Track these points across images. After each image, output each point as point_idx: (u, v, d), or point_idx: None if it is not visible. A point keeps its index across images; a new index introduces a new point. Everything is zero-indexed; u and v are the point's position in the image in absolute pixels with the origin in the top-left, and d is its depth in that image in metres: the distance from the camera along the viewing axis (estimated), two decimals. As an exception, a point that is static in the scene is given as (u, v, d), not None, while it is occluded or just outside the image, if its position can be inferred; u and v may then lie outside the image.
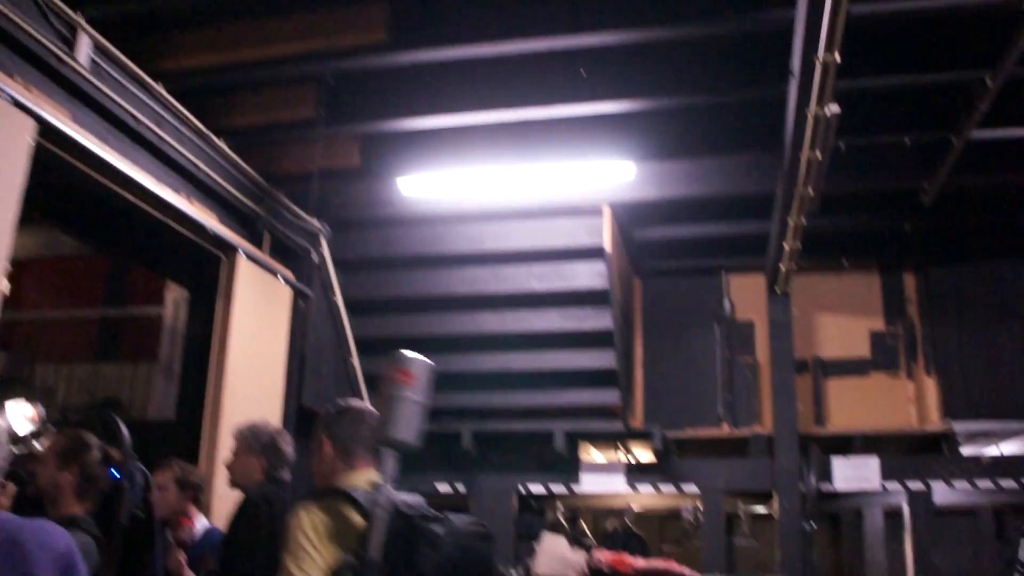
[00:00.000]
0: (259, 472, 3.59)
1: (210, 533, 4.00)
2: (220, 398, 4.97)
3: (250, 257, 5.42)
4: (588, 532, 7.84)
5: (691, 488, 6.78)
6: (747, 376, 7.10)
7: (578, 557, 5.03)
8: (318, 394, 6.13)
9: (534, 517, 7.44)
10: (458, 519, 2.38)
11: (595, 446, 8.00)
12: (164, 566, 3.75)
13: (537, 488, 7.04)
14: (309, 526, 2.28)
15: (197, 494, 4.12)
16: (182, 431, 5.26)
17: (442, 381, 6.69)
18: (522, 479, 7.08)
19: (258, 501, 3.41)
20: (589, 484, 6.94)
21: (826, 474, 6.59)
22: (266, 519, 3.34)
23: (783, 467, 6.53)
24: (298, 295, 6.04)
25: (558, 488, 7.01)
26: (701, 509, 6.80)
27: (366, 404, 2.66)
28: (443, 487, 7.25)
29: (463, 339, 6.59)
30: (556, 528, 7.39)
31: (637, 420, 7.06)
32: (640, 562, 4.78)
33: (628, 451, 8.14)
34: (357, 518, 2.30)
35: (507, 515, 7.04)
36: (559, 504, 7.58)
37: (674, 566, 4.68)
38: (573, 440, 7.08)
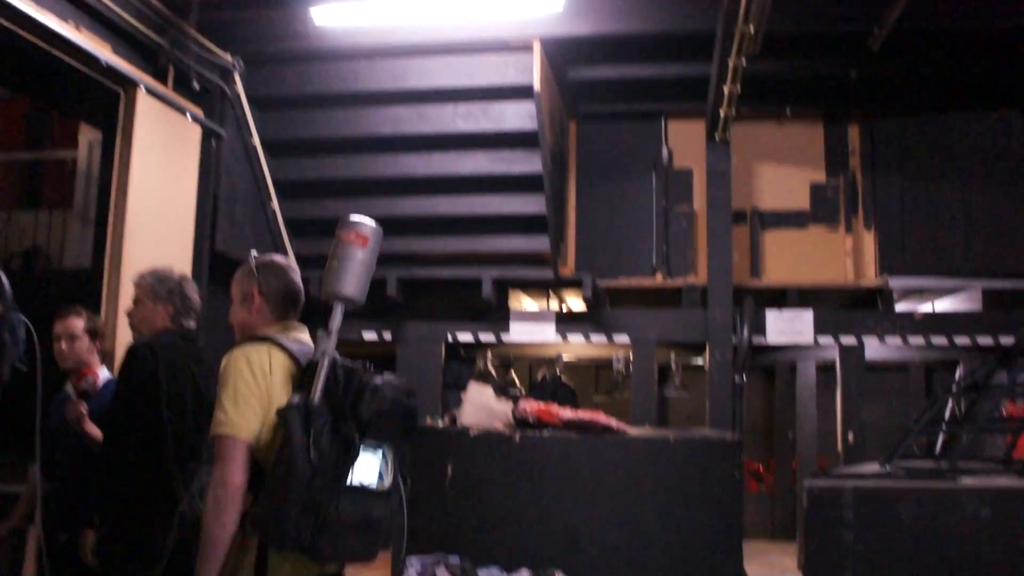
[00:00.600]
0: (164, 320, 3.48)
1: (111, 384, 3.87)
2: (121, 243, 4.79)
3: (151, 92, 5.13)
4: (517, 382, 7.87)
5: (623, 339, 6.79)
6: (683, 225, 7.01)
7: (504, 407, 4.98)
8: (233, 239, 5.96)
9: (462, 366, 7.45)
10: (389, 375, 2.51)
11: (526, 294, 7.98)
12: (63, 418, 3.69)
13: (465, 337, 7.03)
14: (246, 367, 2.43)
15: (101, 343, 4.04)
16: (97, 280, 5.10)
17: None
18: (450, 328, 7.05)
19: (143, 352, 3.29)
20: (518, 333, 6.93)
21: (760, 327, 6.64)
22: (150, 371, 3.25)
23: (716, 319, 6.54)
24: (209, 135, 5.78)
25: (487, 337, 7.00)
26: (632, 360, 6.83)
27: (288, 259, 2.80)
28: (369, 335, 7.21)
29: (387, 182, 6.40)
30: (484, 378, 7.41)
31: (569, 268, 6.98)
32: (567, 413, 4.74)
33: (560, 300, 8.13)
34: (291, 366, 2.48)
35: (434, 364, 7.05)
36: (488, 353, 7.57)
37: (601, 417, 4.64)
38: (503, 288, 7.04)
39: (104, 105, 5.20)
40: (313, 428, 2.32)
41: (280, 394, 2.44)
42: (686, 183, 7.10)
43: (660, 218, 7.01)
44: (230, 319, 2.74)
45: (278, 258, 2.78)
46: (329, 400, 2.38)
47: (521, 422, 4.83)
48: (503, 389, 5.06)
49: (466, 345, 7.27)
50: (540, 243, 6.32)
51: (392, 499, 2.51)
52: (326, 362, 2.41)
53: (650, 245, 7.00)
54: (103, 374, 3.97)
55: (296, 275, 2.75)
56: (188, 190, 5.52)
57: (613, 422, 4.64)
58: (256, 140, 6.23)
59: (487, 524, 4.58)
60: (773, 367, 9.41)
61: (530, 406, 4.87)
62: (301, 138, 6.43)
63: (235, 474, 2.36)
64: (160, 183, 5.20)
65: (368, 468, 2.42)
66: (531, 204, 6.15)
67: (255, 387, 2.43)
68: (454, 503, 4.74)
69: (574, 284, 6.65)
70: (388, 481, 2.48)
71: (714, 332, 6.54)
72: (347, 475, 2.36)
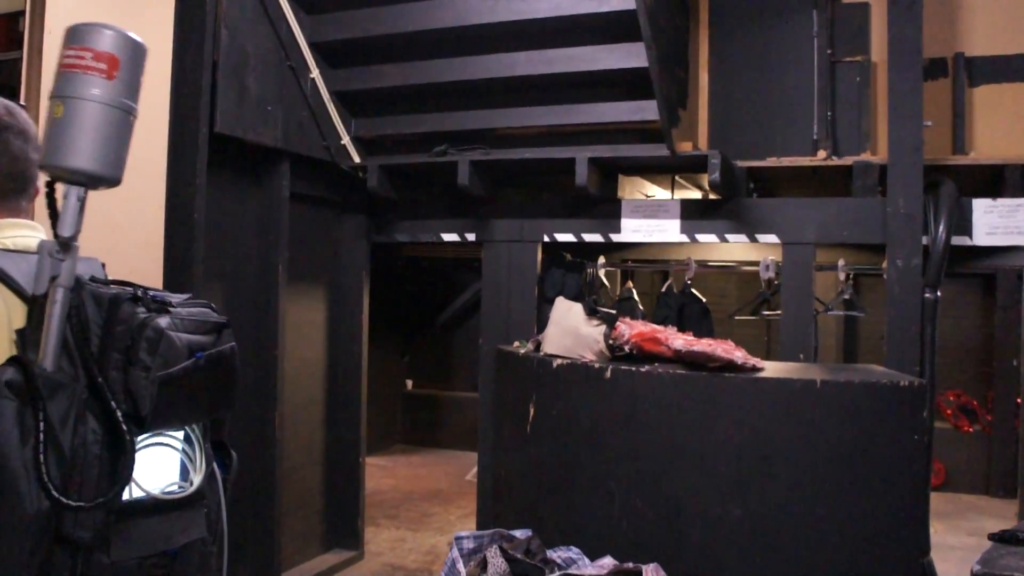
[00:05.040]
0: None
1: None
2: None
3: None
4: (635, 295, 7.09)
5: (770, 238, 5.87)
6: (855, 82, 5.95)
7: (595, 331, 4.27)
8: (245, 119, 5.32)
9: (568, 274, 6.72)
10: (182, 304, 1.81)
11: (651, 182, 7.16)
12: None
13: (565, 236, 6.29)
14: None
15: None
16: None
17: (421, 95, 5.82)
18: (546, 225, 6.34)
19: None
20: (631, 231, 6.12)
21: (964, 223, 5.57)
22: None
23: (900, 211, 5.49)
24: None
25: (592, 237, 6.23)
26: (783, 267, 5.91)
27: (5, 102, 1.91)
28: (450, 236, 6.66)
29: (450, 34, 5.67)
30: (592, 289, 6.68)
31: (701, 144, 6.11)
32: (678, 340, 3.98)
33: (698, 188, 7.28)
34: (8, 299, 1.68)
35: (528, 271, 6.40)
36: (601, 258, 6.82)
37: (721, 348, 3.86)
38: (610, 173, 6.26)
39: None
40: (44, 420, 1.54)
41: None
42: (860, 23, 5.98)
43: (823, 74, 5.96)
44: None
45: (8, 109, 1.90)
46: (75, 363, 1.64)
47: (617, 351, 4.16)
48: (592, 308, 4.33)
49: (571, 247, 6.56)
50: (645, 109, 5.45)
51: (207, 507, 1.81)
52: (59, 294, 1.64)
53: (809, 111, 5.99)
54: None
55: (20, 135, 1.88)
56: (159, 56, 4.81)
57: (739, 355, 3.86)
58: (277, -10, 5.57)
59: (567, 488, 4.02)
60: (994, 276, 8.52)
61: (631, 331, 4.15)
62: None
63: None
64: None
65: (161, 465, 1.73)
66: (633, 56, 5.26)
67: None
68: (532, 456, 4.23)
69: (698, 164, 5.74)
70: (198, 479, 1.78)
71: (896, 229, 5.49)
72: (121, 489, 1.63)
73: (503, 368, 4.85)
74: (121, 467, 1.61)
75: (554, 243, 6.40)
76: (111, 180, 1.73)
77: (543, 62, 5.56)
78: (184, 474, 1.78)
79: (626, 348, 4.11)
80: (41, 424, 1.53)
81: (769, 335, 10.03)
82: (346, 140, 6.26)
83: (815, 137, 5.97)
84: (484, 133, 6.13)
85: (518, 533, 3.91)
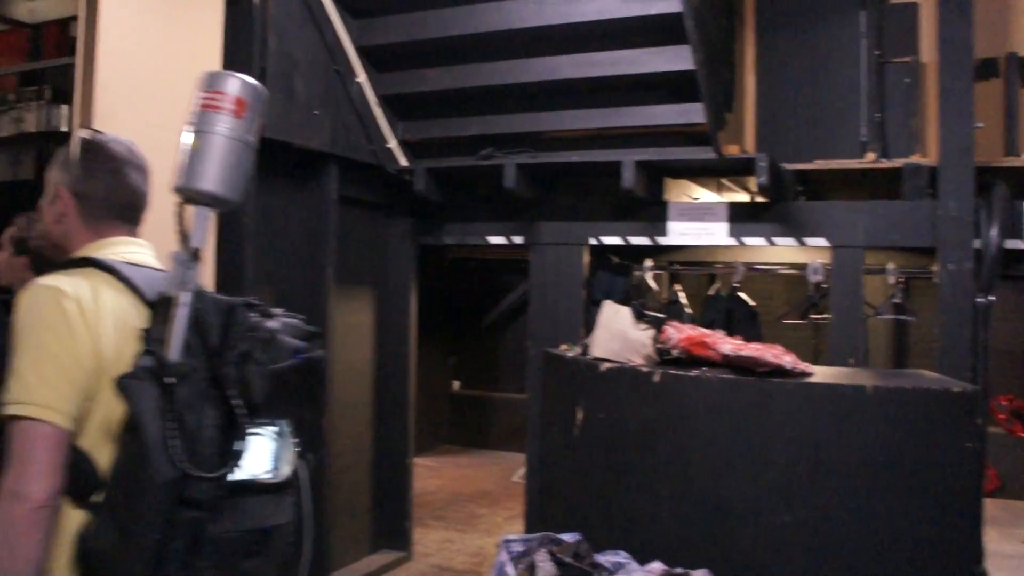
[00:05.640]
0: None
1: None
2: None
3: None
4: (683, 298, 7.06)
5: (819, 241, 5.83)
6: (905, 84, 5.86)
7: (643, 335, 4.27)
8: (293, 122, 5.39)
9: (615, 277, 6.72)
10: (283, 314, 2.11)
11: (698, 184, 7.13)
12: None
13: (612, 239, 6.29)
14: (55, 309, 1.84)
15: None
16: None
17: (467, 99, 5.83)
18: (593, 228, 6.34)
19: None
20: (679, 234, 6.10)
21: (1016, 225, 5.45)
22: None
23: (951, 213, 5.43)
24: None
25: (639, 240, 6.23)
26: (832, 270, 5.86)
27: (127, 142, 2.19)
28: (496, 239, 6.69)
29: (497, 37, 5.69)
30: (639, 292, 6.67)
31: (748, 147, 6.07)
32: (726, 345, 3.96)
33: (744, 190, 7.23)
34: (132, 304, 1.94)
35: (575, 274, 6.40)
36: (648, 261, 6.80)
37: (769, 354, 3.84)
38: (656, 176, 6.21)
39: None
40: (175, 403, 1.79)
41: (116, 349, 1.88)
42: (909, 23, 5.90)
43: (871, 75, 5.89)
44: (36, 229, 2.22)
45: (113, 142, 2.16)
46: (197, 356, 1.87)
47: (665, 355, 4.15)
48: (639, 312, 4.33)
49: (617, 250, 6.56)
50: (692, 112, 5.43)
51: (295, 496, 2.03)
52: (188, 296, 1.88)
53: (857, 113, 5.92)
54: None
55: (138, 170, 2.16)
56: (207, 63, 4.85)
57: (788, 360, 3.82)
58: (325, -7, 5.62)
59: (615, 492, 4.00)
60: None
61: (679, 334, 4.14)
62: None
63: (37, 480, 1.76)
64: (156, 55, 4.54)
65: (257, 453, 1.93)
66: (679, 58, 5.24)
67: (72, 341, 1.83)
68: (580, 460, 4.22)
69: (745, 167, 5.70)
70: (287, 470, 1.99)
71: (947, 232, 5.41)
72: (234, 465, 1.86)
73: (551, 371, 4.85)
74: (234, 447, 1.86)
75: (600, 246, 6.39)
76: (233, 202, 1.99)
77: (588, 65, 5.56)
78: (275, 463, 1.96)
79: (674, 352, 4.09)
80: (171, 405, 1.77)
81: (817, 339, 9.94)
82: (393, 143, 6.29)
83: (863, 139, 5.91)
84: (530, 136, 6.13)
85: (566, 537, 3.90)
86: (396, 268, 6.84)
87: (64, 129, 7.23)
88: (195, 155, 1.94)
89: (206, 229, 1.96)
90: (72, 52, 6.64)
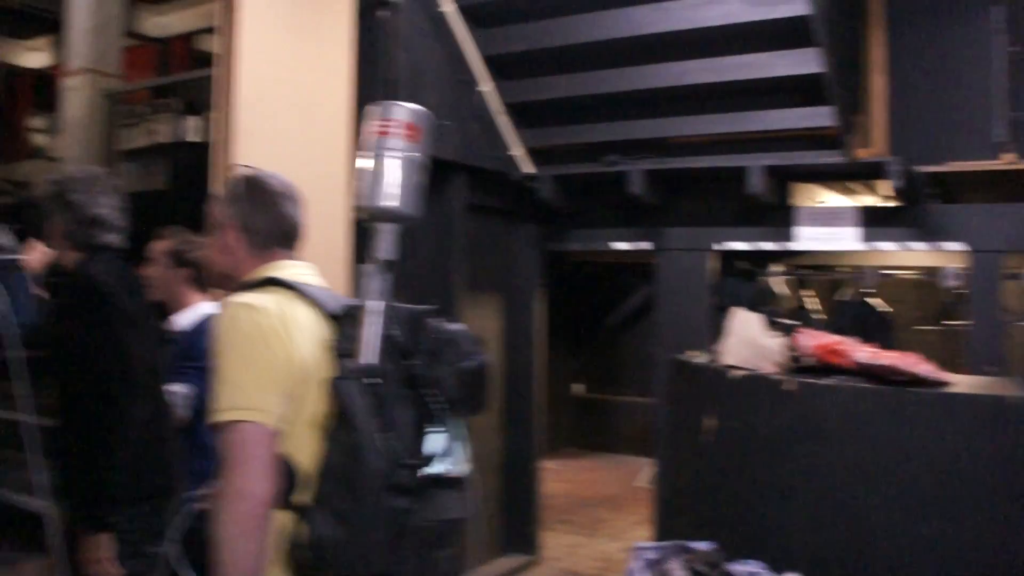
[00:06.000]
0: None
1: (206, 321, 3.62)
2: (229, 153, 4.30)
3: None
4: (812, 305, 6.96)
5: (957, 246, 5.69)
6: (1044, 81, 5.65)
7: (774, 342, 4.26)
8: (424, 132, 5.49)
9: (742, 283, 6.67)
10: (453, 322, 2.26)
11: (827, 188, 7.01)
12: None
13: (738, 245, 6.25)
14: (252, 325, 2.03)
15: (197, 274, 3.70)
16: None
17: (591, 105, 5.85)
18: (718, 233, 6.31)
19: None
20: (807, 239, 6.03)
21: None
22: None
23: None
24: (371, 4, 5.23)
25: (766, 245, 6.17)
26: (970, 276, 5.70)
27: (280, 176, 2.38)
28: (621, 244, 6.71)
29: (621, 44, 5.67)
30: (766, 298, 6.60)
31: (875, 150, 5.94)
32: (861, 353, 3.92)
33: (873, 193, 7.09)
34: (316, 317, 2.12)
35: (699, 280, 6.38)
36: (775, 267, 6.73)
37: (905, 363, 3.78)
38: (782, 180, 6.14)
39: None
40: (380, 400, 1.98)
41: (311, 357, 2.05)
42: (1047, 16, 5.69)
43: (1007, 72, 5.70)
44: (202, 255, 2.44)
45: (271, 177, 2.35)
46: (391, 360, 2.03)
47: (797, 362, 4.13)
48: (773, 318, 4.30)
49: (745, 255, 6.51)
50: (820, 115, 5.35)
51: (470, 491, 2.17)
52: (377, 305, 2.06)
53: (991, 112, 5.72)
54: (196, 309, 3.69)
55: (293, 202, 2.34)
56: (338, 77, 4.98)
57: (924, 368, 3.76)
58: (448, 7, 5.70)
59: (748, 501, 3.98)
60: None
61: (811, 341, 4.12)
62: (507, -1, 5.82)
63: (257, 479, 1.94)
64: (291, 70, 4.67)
65: (443, 449, 2.08)
66: (807, 61, 5.17)
67: (273, 351, 2.01)
68: (710, 467, 4.22)
69: (876, 171, 5.60)
70: (463, 467, 2.13)
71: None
72: (433, 458, 2.05)
73: (679, 378, 4.85)
74: (428, 442, 2.02)
75: (727, 251, 6.36)
76: (413, 217, 2.18)
77: (714, 70, 5.51)
78: (456, 459, 2.10)
79: (806, 360, 4.07)
80: (378, 402, 1.95)
81: (951, 345, 9.64)
82: (518, 151, 6.36)
83: (999, 139, 5.74)
84: (654, 142, 6.11)
85: (699, 545, 3.89)
86: (522, 274, 6.90)
87: (193, 140, 7.52)
88: (375, 177, 2.14)
89: (392, 243, 2.16)
90: (199, 65, 6.89)
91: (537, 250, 6.90)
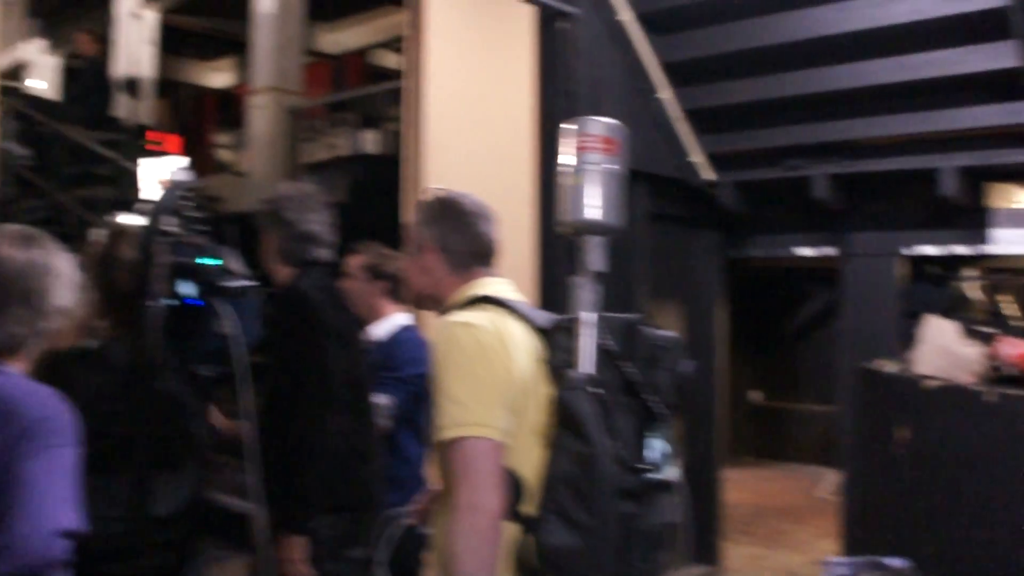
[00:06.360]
0: None
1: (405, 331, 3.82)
2: (419, 166, 4.43)
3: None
4: (1004, 311, 6.65)
5: None
6: None
7: (972, 351, 4.12)
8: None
9: (933, 289, 6.44)
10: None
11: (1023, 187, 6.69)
12: None
13: (928, 249, 6.04)
14: (473, 342, 2.08)
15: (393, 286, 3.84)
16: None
17: (772, 109, 5.77)
18: (907, 237, 6.11)
19: None
20: (1005, 242, 5.79)
21: None
22: None
23: None
24: (551, 16, 5.31)
25: (959, 249, 5.95)
26: None
27: (472, 196, 2.43)
28: (805, 250, 6.61)
29: (803, 46, 5.57)
30: (959, 304, 6.35)
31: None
32: None
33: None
34: (528, 332, 2.16)
35: (886, 286, 6.19)
36: (970, 272, 6.47)
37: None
38: (974, 182, 5.87)
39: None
40: (606, 409, 2.01)
41: (526, 373, 2.09)
42: None
43: None
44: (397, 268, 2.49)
45: (463, 198, 2.40)
46: (609, 368, 2.08)
47: (998, 372, 3.98)
48: (971, 326, 4.16)
49: (936, 260, 6.29)
50: (1022, 112, 5.11)
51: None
52: (591, 317, 2.09)
53: None
54: (390, 321, 3.83)
55: (487, 221, 2.39)
56: (521, 89, 5.06)
57: None
58: (626, 15, 5.70)
59: (945, 517, 3.86)
60: None
61: (1013, 350, 3.97)
62: (683, 5, 5.79)
63: (490, 491, 1.98)
64: (475, 85, 4.77)
65: (659, 453, 2.11)
66: (1002, 55, 4.94)
67: (494, 367, 2.06)
68: (903, 480, 4.10)
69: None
70: (675, 471, 2.13)
71: None
72: (653, 466, 2.07)
73: (868, 388, 4.73)
74: (649, 447, 2.06)
75: (916, 256, 6.15)
76: (617, 229, 2.24)
77: (901, 68, 5.33)
78: (663, 464, 2.09)
79: (1008, 370, 3.92)
80: (606, 411, 1.99)
81: None
82: (697, 157, 6.31)
83: None
84: (839, 144, 5.96)
85: (893, 561, 3.79)
86: (702, 282, 6.85)
87: (371, 152, 7.76)
88: (578, 191, 2.19)
89: (600, 255, 2.20)
90: (373, 80, 7.11)
91: (718, 257, 6.83)
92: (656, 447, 2.08)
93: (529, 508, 2.00)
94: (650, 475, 2.03)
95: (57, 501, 1.86)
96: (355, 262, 3.80)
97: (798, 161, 6.04)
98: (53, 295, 2.08)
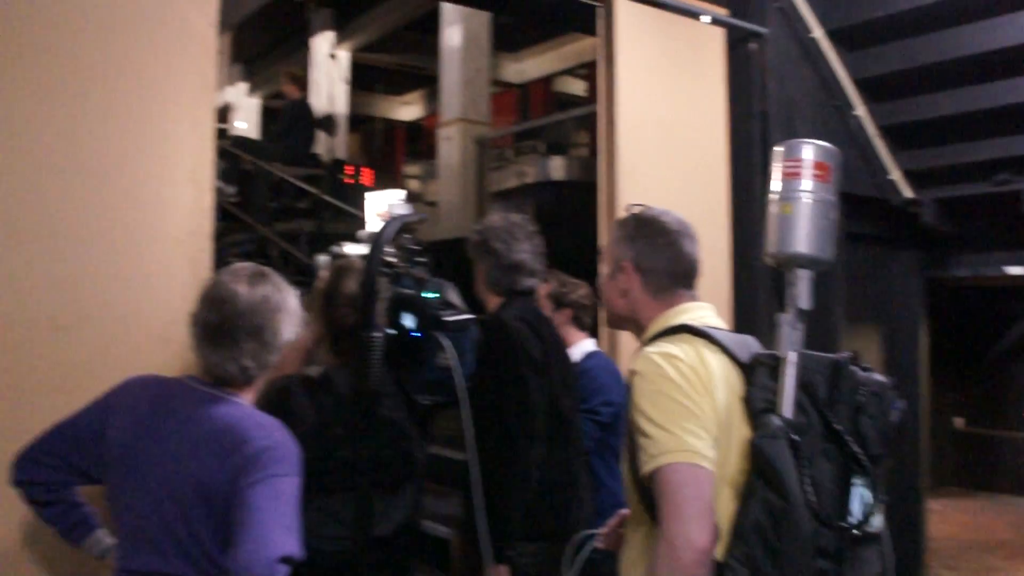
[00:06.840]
0: None
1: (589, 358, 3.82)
2: (613, 192, 4.42)
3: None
4: None
5: None
6: None
7: None
8: (797, 158, 5.41)
9: None
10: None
11: None
12: None
13: None
14: (676, 373, 1.97)
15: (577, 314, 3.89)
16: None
17: (975, 122, 5.54)
18: None
19: None
20: None
21: None
22: None
23: None
24: (741, 37, 5.26)
25: None
26: None
27: (673, 213, 2.32)
28: (1015, 269, 6.27)
29: (1006, 53, 5.29)
30: None
31: None
32: None
33: None
34: (729, 367, 2.04)
35: None
36: None
37: None
38: None
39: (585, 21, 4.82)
40: (803, 456, 1.89)
41: (727, 407, 1.99)
42: None
43: None
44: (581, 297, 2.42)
45: (664, 215, 2.28)
46: (809, 412, 1.96)
47: None
48: None
49: None
50: None
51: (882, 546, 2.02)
52: (795, 356, 1.98)
53: None
54: (579, 347, 3.84)
55: (690, 239, 2.27)
56: (713, 112, 5.01)
57: None
58: (817, 32, 5.57)
59: None
60: None
61: None
62: (876, 18, 5.62)
63: (698, 523, 1.84)
64: (667, 109, 4.74)
65: (859, 507, 1.95)
66: None
67: (695, 398, 1.95)
68: None
69: None
70: (880, 520, 2.00)
71: None
72: (854, 521, 1.92)
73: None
74: (851, 498, 1.92)
75: None
76: (827, 262, 2.09)
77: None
78: (872, 513, 1.96)
79: None
80: (806, 460, 1.88)
81: None
82: (895, 175, 6.10)
83: None
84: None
85: None
86: (902, 303, 6.60)
87: (558, 178, 7.81)
88: (786, 221, 2.07)
89: (808, 290, 2.07)
90: (557, 107, 7.18)
91: (919, 278, 6.58)
92: (859, 498, 1.94)
93: (719, 552, 1.88)
94: (850, 530, 1.91)
95: (279, 528, 1.91)
96: (540, 290, 3.81)
97: (1006, 175, 5.76)
98: (281, 330, 2.17)
